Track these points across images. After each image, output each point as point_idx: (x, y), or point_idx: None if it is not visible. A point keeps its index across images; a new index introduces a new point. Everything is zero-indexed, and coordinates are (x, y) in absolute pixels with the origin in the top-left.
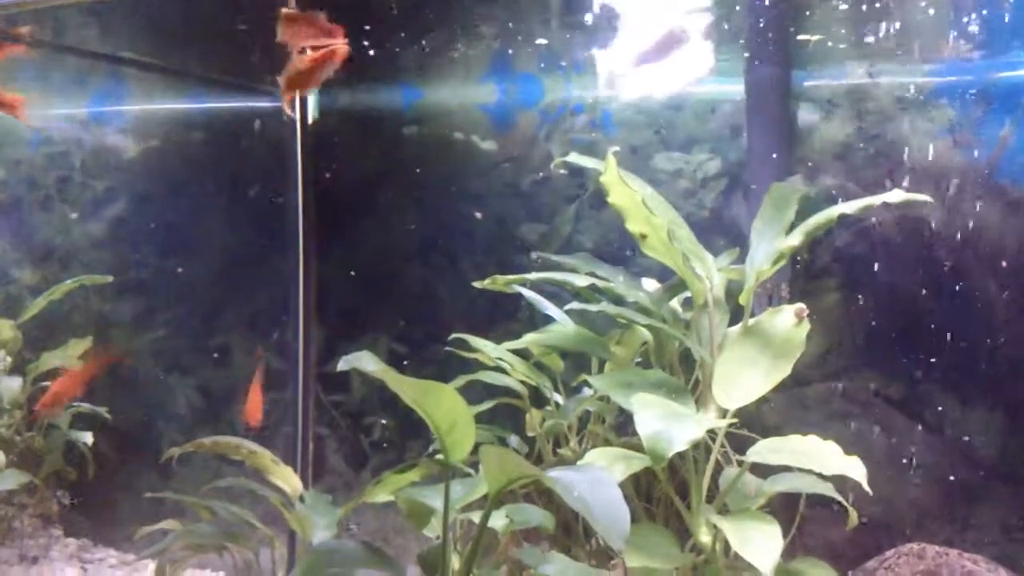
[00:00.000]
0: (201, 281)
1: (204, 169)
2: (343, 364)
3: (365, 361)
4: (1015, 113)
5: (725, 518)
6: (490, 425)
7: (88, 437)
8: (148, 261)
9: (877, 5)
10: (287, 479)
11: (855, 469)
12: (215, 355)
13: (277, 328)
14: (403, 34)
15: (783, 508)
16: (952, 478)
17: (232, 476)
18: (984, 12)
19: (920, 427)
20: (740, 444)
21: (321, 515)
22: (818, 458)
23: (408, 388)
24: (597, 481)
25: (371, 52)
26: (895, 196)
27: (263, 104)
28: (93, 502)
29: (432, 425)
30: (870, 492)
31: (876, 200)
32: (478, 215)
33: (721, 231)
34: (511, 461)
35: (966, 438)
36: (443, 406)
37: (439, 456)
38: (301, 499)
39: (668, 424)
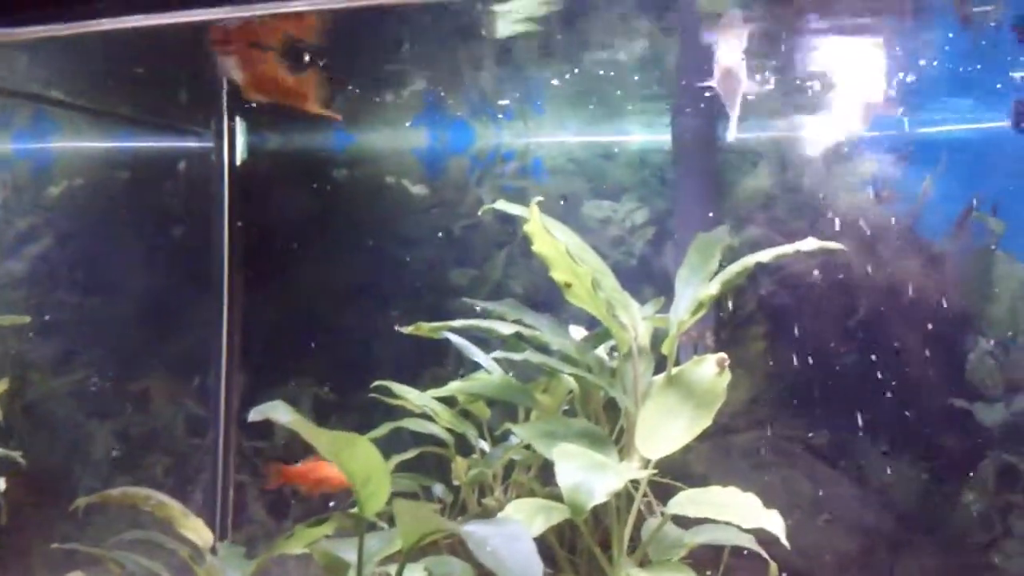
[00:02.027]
0: (122, 323)
1: (128, 209)
2: (254, 415)
3: (278, 412)
4: (935, 168)
5: (645, 570)
6: (415, 473)
7: (0, 483)
8: (69, 301)
9: (802, 59)
10: (197, 531)
11: (774, 523)
12: (135, 399)
13: (199, 372)
14: (335, 77)
15: (709, 558)
16: (875, 528)
17: (150, 526)
18: (906, 70)
19: (844, 477)
20: (667, 493)
21: (234, 568)
22: (737, 511)
23: (322, 440)
24: (511, 535)
25: None
26: (808, 244)
27: (189, 144)
28: (5, 550)
29: (347, 477)
30: (788, 547)
31: (790, 249)
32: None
33: (650, 279)
34: (425, 515)
35: (889, 488)
36: (357, 459)
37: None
38: (213, 551)
39: (588, 475)
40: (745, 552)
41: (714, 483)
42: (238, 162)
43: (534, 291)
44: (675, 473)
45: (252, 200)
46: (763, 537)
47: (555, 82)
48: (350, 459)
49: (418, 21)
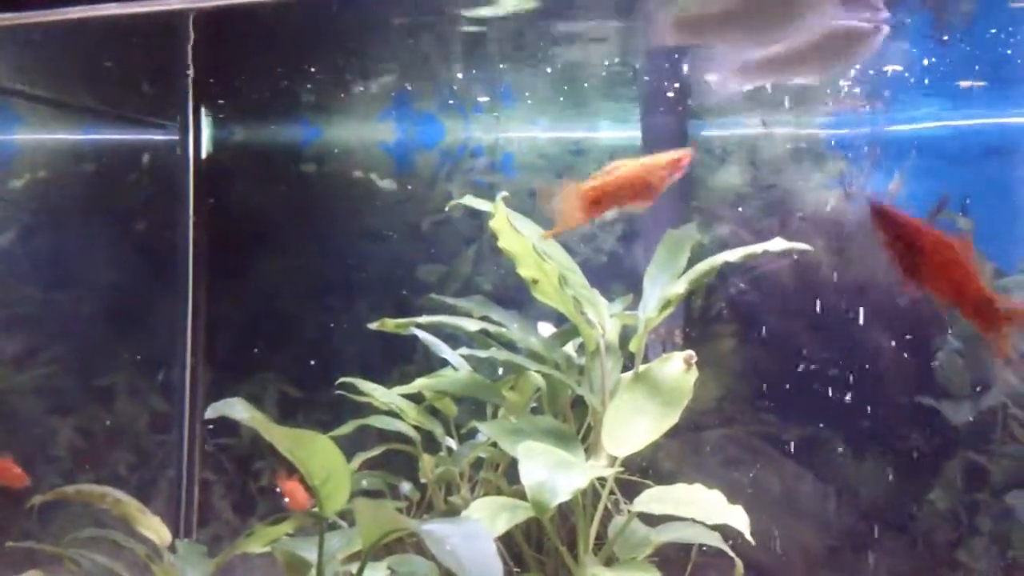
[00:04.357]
0: (86, 318)
1: (92, 203)
2: (211, 412)
3: (235, 409)
4: (904, 165)
5: (611, 569)
6: (383, 471)
7: None
8: (32, 296)
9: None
10: (155, 529)
11: (737, 519)
12: (98, 395)
13: (163, 368)
14: (303, 71)
15: (679, 555)
16: (842, 525)
17: (114, 524)
18: (875, 67)
19: (812, 474)
20: (637, 491)
21: (193, 567)
22: (701, 508)
23: (281, 437)
24: (471, 535)
25: (270, 88)
26: (776, 245)
27: (153, 137)
28: None
29: (307, 476)
30: (753, 542)
31: (758, 248)
32: None
33: (619, 276)
34: (385, 514)
35: (857, 486)
36: (317, 457)
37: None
38: (172, 549)
39: (552, 473)
40: (704, 548)
41: (683, 481)
42: (204, 155)
43: (503, 288)
44: (644, 471)
45: (218, 194)
46: (730, 535)
47: (526, 78)
48: (309, 457)
49: (386, 13)
